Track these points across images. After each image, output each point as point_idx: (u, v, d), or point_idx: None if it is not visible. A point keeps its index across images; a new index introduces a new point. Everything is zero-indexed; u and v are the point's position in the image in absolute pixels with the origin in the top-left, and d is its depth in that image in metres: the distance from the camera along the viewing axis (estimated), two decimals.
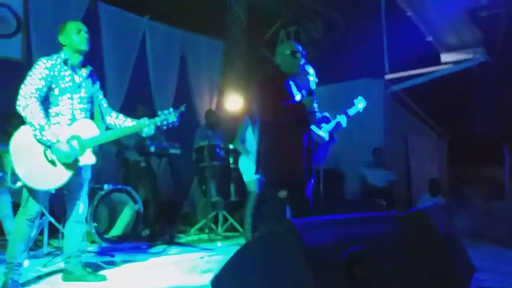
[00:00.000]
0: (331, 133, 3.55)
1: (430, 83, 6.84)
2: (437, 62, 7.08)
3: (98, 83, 3.00)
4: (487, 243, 4.79)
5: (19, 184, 3.81)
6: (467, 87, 6.57)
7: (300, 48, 3.03)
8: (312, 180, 3.03)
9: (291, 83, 3.03)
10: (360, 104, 3.60)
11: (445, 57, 7.21)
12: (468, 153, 7.65)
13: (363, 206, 5.68)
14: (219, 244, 4.82)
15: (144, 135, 2.90)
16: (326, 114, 3.58)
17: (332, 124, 3.52)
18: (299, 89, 3.10)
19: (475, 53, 6.61)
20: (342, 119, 3.48)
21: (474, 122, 6.32)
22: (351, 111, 3.52)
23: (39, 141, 2.60)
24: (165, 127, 2.90)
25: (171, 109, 2.89)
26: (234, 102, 7.32)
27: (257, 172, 2.99)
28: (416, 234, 2.17)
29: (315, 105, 3.03)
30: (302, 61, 3.02)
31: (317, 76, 3.06)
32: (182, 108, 2.90)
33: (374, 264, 1.67)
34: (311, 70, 3.37)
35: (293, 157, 2.83)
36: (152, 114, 2.99)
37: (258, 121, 3.12)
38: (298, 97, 3.02)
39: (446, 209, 3.02)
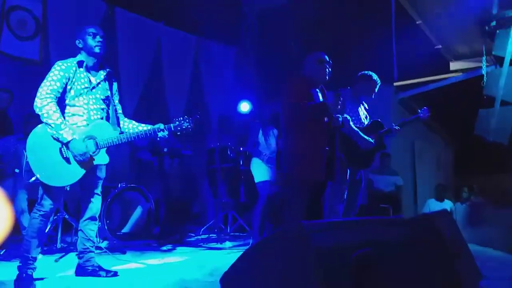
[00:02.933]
0: (380, 139, 3.64)
1: (438, 91, 6.88)
2: (446, 70, 7.13)
3: (115, 85, 3.05)
4: (494, 250, 4.79)
5: (33, 179, 3.97)
6: (475, 95, 6.60)
7: (326, 57, 3.11)
8: (331, 182, 3.11)
9: (318, 91, 3.11)
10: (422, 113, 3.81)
11: (454, 65, 7.26)
12: (475, 161, 7.65)
13: (369, 210, 5.73)
14: (227, 243, 4.91)
15: (158, 139, 2.94)
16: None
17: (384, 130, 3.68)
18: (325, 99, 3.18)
19: (484, 62, 6.63)
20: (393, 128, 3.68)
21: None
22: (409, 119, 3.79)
23: (55, 138, 2.67)
24: (178, 133, 2.96)
25: (186, 117, 2.95)
26: (245, 107, 7.49)
27: (280, 169, 3.09)
28: (422, 239, 2.15)
29: (363, 113, 3.22)
30: (329, 70, 3.09)
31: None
32: (197, 116, 2.98)
33: (381, 268, 1.68)
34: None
35: (313, 158, 2.91)
36: (166, 116, 3.04)
37: (283, 123, 3.18)
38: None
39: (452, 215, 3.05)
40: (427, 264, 2.07)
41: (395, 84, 6.84)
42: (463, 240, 2.86)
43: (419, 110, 3.88)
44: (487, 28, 6.01)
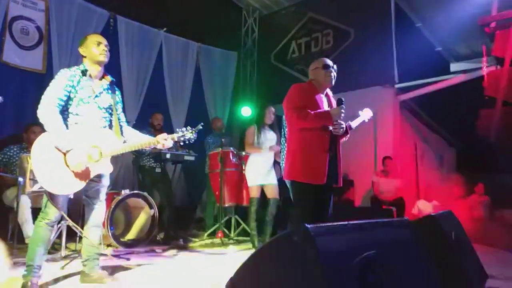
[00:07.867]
0: None
1: (439, 92, 6.90)
2: (447, 71, 7.15)
3: (118, 94, 3.05)
4: (498, 250, 4.78)
5: (37, 187, 3.98)
6: (476, 95, 6.61)
7: (331, 63, 3.14)
8: (333, 186, 3.09)
9: (323, 97, 3.14)
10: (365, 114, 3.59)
11: (454, 67, 7.29)
12: (477, 162, 7.63)
13: (373, 213, 5.72)
14: (231, 248, 4.91)
15: (160, 147, 2.93)
16: None
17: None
18: (330, 106, 3.18)
19: (484, 62, 6.64)
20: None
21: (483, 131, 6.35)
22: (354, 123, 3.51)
23: (56, 147, 2.67)
24: (182, 143, 2.97)
25: (189, 127, 2.93)
26: (246, 111, 7.52)
27: (284, 175, 3.12)
28: (427, 240, 2.18)
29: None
30: (334, 75, 3.11)
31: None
32: (200, 126, 2.97)
33: (387, 270, 1.68)
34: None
35: (316, 162, 2.93)
36: (168, 123, 3.02)
37: (286, 127, 3.25)
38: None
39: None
40: (433, 265, 2.08)
41: (396, 86, 6.85)
42: (468, 241, 2.87)
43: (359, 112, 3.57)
44: (486, 29, 6.04)
